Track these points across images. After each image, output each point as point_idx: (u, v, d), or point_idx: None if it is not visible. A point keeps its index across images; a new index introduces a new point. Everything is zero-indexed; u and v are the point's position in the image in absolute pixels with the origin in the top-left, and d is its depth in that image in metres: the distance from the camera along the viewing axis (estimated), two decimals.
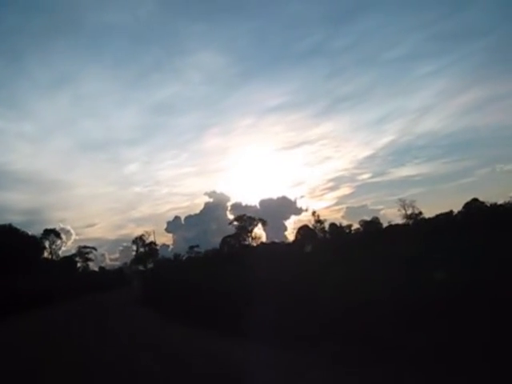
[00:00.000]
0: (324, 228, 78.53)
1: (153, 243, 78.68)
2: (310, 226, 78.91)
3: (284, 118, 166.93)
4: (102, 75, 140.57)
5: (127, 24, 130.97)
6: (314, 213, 76.87)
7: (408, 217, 65.35)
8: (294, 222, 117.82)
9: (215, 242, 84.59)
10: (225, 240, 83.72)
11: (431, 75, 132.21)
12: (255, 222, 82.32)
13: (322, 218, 77.45)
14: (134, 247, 79.72)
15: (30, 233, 61.74)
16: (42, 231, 67.75)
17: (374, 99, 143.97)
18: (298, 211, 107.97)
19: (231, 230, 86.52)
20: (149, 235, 78.53)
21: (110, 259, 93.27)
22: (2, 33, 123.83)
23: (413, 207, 64.64)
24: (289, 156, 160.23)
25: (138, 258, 76.60)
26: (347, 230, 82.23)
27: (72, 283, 43.53)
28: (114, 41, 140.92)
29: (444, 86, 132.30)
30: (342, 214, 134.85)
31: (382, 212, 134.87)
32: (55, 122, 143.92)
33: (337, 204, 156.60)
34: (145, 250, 75.72)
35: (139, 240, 76.72)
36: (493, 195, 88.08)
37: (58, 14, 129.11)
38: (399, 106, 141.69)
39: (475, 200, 62.62)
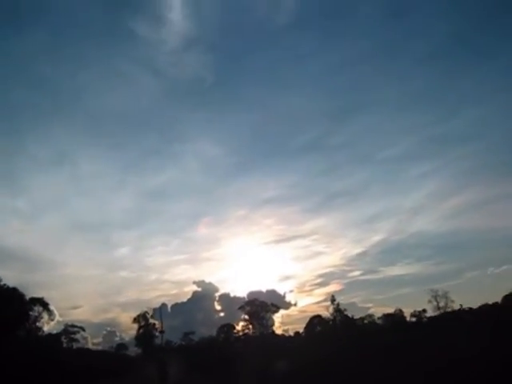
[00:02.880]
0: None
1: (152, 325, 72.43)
2: (323, 315, 73.49)
3: (277, 210, 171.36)
4: (99, 157, 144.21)
5: (128, 109, 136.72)
6: (333, 300, 69.82)
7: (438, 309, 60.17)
8: (282, 316, 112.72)
9: (201, 332, 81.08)
10: (222, 328, 79.64)
11: (424, 176, 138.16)
12: (268, 308, 76.36)
13: (311, 313, 72.46)
14: (134, 326, 72.98)
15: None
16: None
17: (368, 197, 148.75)
18: (287, 305, 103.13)
19: (218, 321, 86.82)
20: (152, 314, 72.35)
21: (93, 343, 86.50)
22: (5, 106, 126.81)
23: (446, 298, 59.43)
24: (279, 249, 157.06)
25: (139, 340, 69.62)
26: (360, 323, 76.00)
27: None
28: (114, 124, 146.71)
29: (436, 187, 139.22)
30: (331, 310, 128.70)
31: (371, 310, 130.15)
32: (49, 199, 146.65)
33: (326, 300, 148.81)
34: (147, 329, 69.11)
35: (142, 318, 70.29)
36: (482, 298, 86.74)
37: (61, 94, 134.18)
38: (392, 205, 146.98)
39: None
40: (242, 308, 77.95)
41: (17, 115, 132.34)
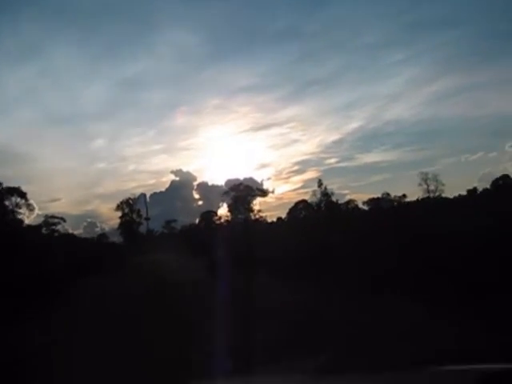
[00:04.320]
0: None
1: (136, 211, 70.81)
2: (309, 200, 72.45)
3: (253, 98, 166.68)
4: (70, 48, 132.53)
5: None
6: (320, 184, 67.41)
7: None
8: (260, 204, 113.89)
9: (181, 220, 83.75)
10: (203, 216, 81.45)
11: (401, 63, 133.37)
12: (253, 193, 75.04)
13: (287, 200, 71.39)
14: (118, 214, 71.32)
15: None
16: None
17: (344, 84, 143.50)
18: (265, 193, 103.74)
19: (197, 209, 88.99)
20: (135, 201, 70.44)
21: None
22: None
23: (437, 181, 58.07)
24: (256, 137, 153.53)
25: (124, 227, 68.16)
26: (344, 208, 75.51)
27: None
28: (84, 13, 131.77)
29: (413, 74, 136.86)
30: (307, 197, 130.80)
31: (347, 197, 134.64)
32: (20, 92, 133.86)
33: (303, 187, 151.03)
34: (131, 216, 67.56)
35: (125, 205, 68.40)
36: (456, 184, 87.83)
37: None
38: (368, 93, 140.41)
39: (506, 176, 56.44)
40: (226, 194, 76.53)
41: None
